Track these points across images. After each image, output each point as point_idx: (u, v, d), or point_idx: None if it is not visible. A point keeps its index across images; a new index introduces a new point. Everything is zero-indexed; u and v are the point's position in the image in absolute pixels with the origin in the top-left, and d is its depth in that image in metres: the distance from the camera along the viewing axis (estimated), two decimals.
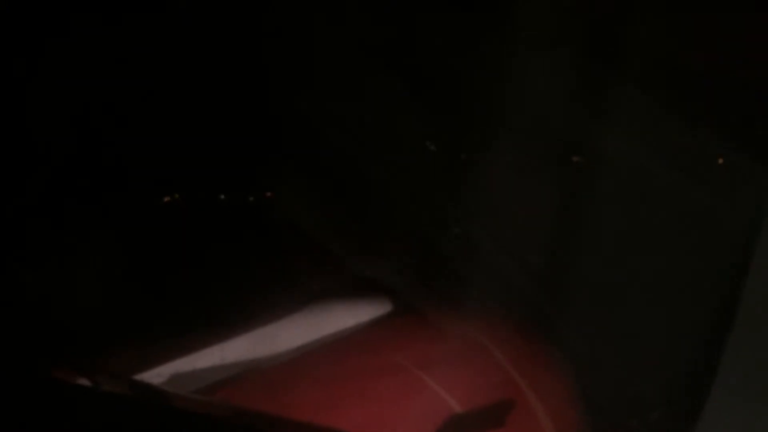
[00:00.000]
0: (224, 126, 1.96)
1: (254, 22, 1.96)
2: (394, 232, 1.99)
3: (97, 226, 1.86)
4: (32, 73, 1.88)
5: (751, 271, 1.39)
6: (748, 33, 1.76)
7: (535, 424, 1.62)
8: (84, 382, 1.43)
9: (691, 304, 1.67)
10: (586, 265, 1.83)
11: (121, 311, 1.76)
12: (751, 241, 1.46)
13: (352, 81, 1.98)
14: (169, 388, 1.55)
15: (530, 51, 1.88)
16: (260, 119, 1.98)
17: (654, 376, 1.67)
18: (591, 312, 1.80)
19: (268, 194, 2.08)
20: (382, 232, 1.97)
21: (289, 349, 1.71)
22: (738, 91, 1.78)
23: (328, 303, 1.81)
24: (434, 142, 2.05)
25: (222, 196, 2.05)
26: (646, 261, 1.80)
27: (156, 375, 1.61)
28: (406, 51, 1.99)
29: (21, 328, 1.65)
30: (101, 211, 1.89)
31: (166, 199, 2.01)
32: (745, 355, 1.39)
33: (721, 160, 1.78)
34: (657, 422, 1.64)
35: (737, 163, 1.75)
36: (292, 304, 1.77)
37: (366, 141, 1.97)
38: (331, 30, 1.97)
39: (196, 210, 2.03)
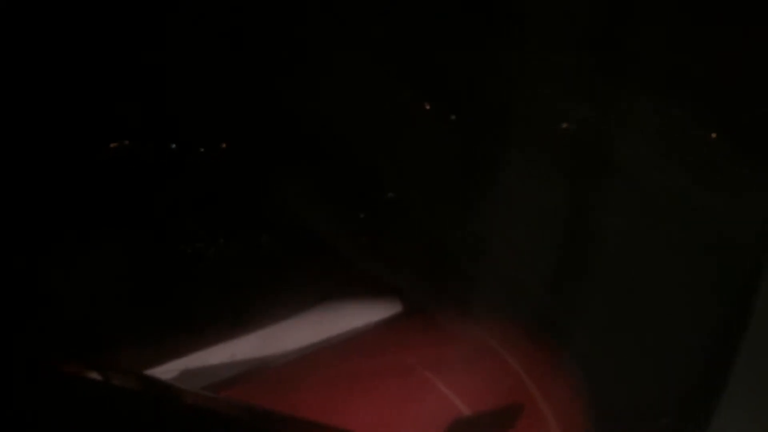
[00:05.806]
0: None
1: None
2: (405, 233, 1.99)
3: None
4: None
5: (763, 276, 1.38)
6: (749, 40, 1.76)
7: (543, 428, 1.62)
8: (94, 376, 1.43)
9: (702, 310, 1.66)
10: (597, 270, 1.82)
11: (132, 307, 1.76)
12: (763, 246, 1.46)
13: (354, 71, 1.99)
14: (178, 384, 1.56)
15: (539, 52, 1.88)
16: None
17: (665, 382, 1.66)
18: (601, 317, 1.79)
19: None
20: (392, 232, 1.98)
21: (298, 348, 1.71)
22: (742, 97, 1.78)
23: (338, 303, 1.81)
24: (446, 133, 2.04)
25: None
26: (658, 267, 1.80)
27: (166, 371, 1.62)
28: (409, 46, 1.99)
29: (32, 323, 1.66)
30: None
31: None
32: (757, 361, 1.38)
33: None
34: (667, 427, 1.63)
35: (744, 168, 1.75)
36: (302, 304, 1.78)
37: (373, 133, 1.97)
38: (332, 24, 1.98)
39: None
